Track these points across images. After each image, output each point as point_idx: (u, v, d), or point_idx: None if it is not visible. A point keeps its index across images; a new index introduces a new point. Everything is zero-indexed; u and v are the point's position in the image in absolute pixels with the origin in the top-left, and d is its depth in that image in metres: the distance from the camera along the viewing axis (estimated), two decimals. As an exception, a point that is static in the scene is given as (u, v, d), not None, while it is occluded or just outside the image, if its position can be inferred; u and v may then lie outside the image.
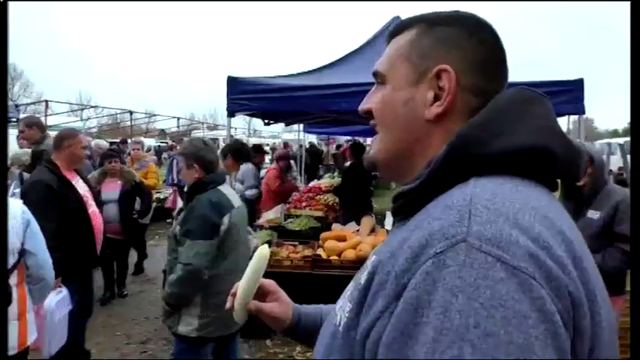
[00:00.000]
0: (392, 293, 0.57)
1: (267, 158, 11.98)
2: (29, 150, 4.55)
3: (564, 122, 5.13)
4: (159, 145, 23.82)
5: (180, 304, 2.70)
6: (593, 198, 3.04)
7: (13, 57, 39.64)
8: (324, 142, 20.03)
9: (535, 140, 0.64)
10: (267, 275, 1.12)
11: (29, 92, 41.57)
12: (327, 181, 9.36)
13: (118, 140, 12.68)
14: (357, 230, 5.27)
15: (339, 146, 16.98)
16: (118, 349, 4.29)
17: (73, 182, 3.50)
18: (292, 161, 11.11)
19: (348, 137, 14.75)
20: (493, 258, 0.52)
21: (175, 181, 8.21)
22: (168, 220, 8.79)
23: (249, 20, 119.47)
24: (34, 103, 25.46)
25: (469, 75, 0.73)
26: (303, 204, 6.95)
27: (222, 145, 10.25)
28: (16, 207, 2.45)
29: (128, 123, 21.23)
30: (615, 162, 15.06)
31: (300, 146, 12.39)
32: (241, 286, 1.09)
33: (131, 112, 20.21)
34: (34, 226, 2.50)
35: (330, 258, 4.46)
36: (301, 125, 10.40)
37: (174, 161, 8.12)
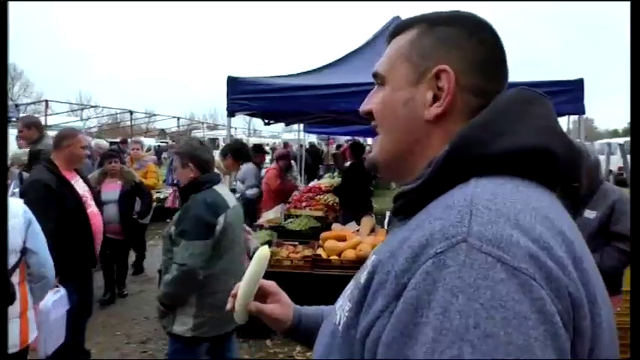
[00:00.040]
0: (392, 293, 0.57)
1: (268, 158, 11.99)
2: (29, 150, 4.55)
3: (564, 122, 5.14)
4: (159, 145, 23.82)
5: (175, 304, 2.70)
6: (589, 197, 3.04)
7: (13, 57, 39.71)
8: (324, 142, 20.05)
9: (536, 141, 0.64)
10: (267, 275, 1.12)
11: (29, 92, 41.66)
12: (327, 181, 9.37)
13: (118, 140, 12.68)
14: (357, 230, 5.28)
15: (339, 146, 16.99)
16: (118, 348, 4.29)
17: (73, 182, 3.50)
18: (293, 161, 11.13)
19: (348, 137, 14.75)
20: (493, 259, 0.52)
21: (175, 181, 8.19)
22: (168, 220, 8.71)
23: (249, 20, 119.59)
24: (34, 103, 25.50)
25: (469, 75, 0.73)
26: (303, 204, 6.96)
27: (222, 145, 10.25)
28: (18, 206, 2.47)
29: (128, 123, 21.24)
30: (615, 162, 15.06)
31: (301, 146, 12.40)
32: (242, 287, 1.10)
33: (131, 112, 20.22)
34: (36, 225, 2.52)
35: (330, 258, 4.46)
36: (301, 125, 10.41)
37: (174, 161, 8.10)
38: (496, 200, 0.58)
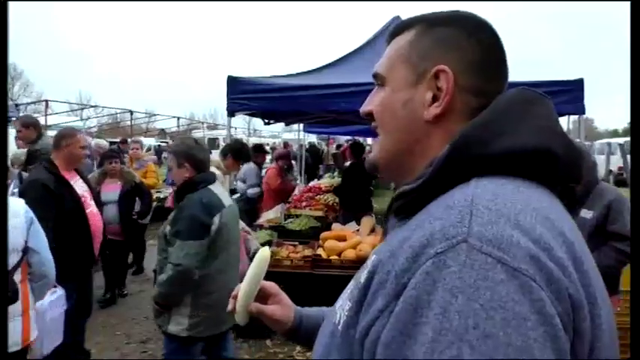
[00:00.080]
0: (392, 292, 0.57)
1: (268, 158, 12.00)
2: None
3: (564, 122, 5.14)
4: (159, 145, 23.80)
5: (170, 303, 2.70)
6: (585, 197, 3.05)
7: (13, 57, 39.68)
8: (324, 141, 20.04)
9: (536, 141, 0.64)
10: (266, 275, 1.12)
11: (29, 92, 41.66)
12: (327, 180, 9.37)
13: (118, 140, 12.68)
14: (357, 230, 5.28)
15: (339, 146, 16.98)
16: (118, 348, 4.29)
17: (72, 182, 3.50)
18: (294, 161, 11.13)
19: (348, 137, 14.75)
20: (493, 259, 0.52)
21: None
22: (168, 220, 8.77)
23: (249, 20, 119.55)
24: (34, 103, 25.51)
25: (468, 75, 0.73)
26: (303, 204, 6.96)
27: (222, 144, 10.24)
28: (19, 206, 2.51)
29: (128, 123, 21.23)
30: (615, 162, 15.08)
31: (301, 146, 12.40)
32: (242, 289, 1.10)
33: (131, 112, 20.21)
34: (37, 224, 2.55)
35: (330, 258, 4.46)
36: (301, 125, 10.40)
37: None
38: (497, 201, 0.58)
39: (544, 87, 4.05)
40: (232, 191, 6.69)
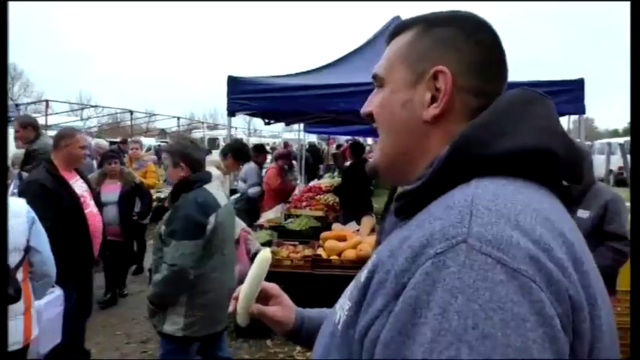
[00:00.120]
0: (391, 292, 0.57)
1: (268, 158, 12.00)
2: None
3: (565, 122, 5.14)
4: (159, 145, 23.80)
5: (165, 303, 2.70)
6: (581, 197, 3.06)
7: (13, 57, 39.64)
8: (324, 141, 20.03)
9: (537, 141, 0.64)
10: (267, 275, 1.12)
11: (29, 92, 41.68)
12: (327, 180, 9.36)
13: (118, 140, 12.67)
14: (358, 230, 5.28)
15: (339, 146, 16.97)
16: (118, 348, 4.30)
17: (71, 182, 3.49)
18: (294, 161, 11.13)
19: (348, 137, 14.74)
20: (493, 260, 0.52)
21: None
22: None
23: (249, 20, 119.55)
24: (34, 103, 25.52)
25: (466, 76, 0.73)
26: (304, 204, 6.96)
27: (222, 144, 10.24)
28: (21, 206, 2.54)
29: (128, 122, 21.24)
30: (615, 162, 15.09)
31: (301, 146, 12.39)
32: (243, 290, 1.10)
33: (131, 112, 20.23)
34: (39, 224, 2.59)
35: (331, 258, 4.46)
36: (301, 125, 10.40)
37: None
38: (497, 201, 0.58)
39: (544, 87, 4.05)
40: (233, 191, 6.71)
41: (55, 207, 3.23)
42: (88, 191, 3.74)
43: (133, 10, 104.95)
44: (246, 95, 4.72)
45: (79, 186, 3.59)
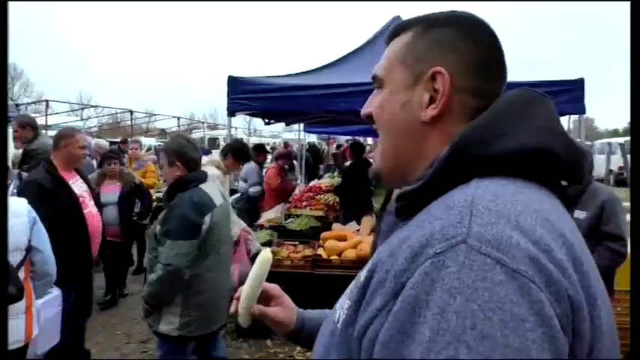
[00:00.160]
0: (390, 292, 0.57)
1: (268, 158, 12.00)
2: (28, 150, 4.54)
3: (565, 122, 5.13)
4: (159, 145, 23.76)
5: (160, 303, 2.69)
6: (578, 198, 3.06)
7: (13, 57, 39.56)
8: (324, 141, 20.03)
9: (537, 141, 0.64)
10: (267, 275, 1.13)
11: (29, 92, 41.64)
12: (327, 180, 9.36)
13: (118, 140, 12.66)
14: (358, 230, 5.28)
15: (339, 146, 16.97)
16: (118, 348, 4.30)
17: (71, 182, 3.49)
18: (295, 161, 11.12)
19: (348, 137, 14.74)
20: (493, 260, 0.52)
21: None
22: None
23: (249, 20, 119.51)
24: (34, 103, 25.51)
25: (465, 77, 0.73)
26: (304, 203, 6.97)
27: (222, 144, 10.24)
28: (22, 205, 2.57)
29: (128, 122, 21.24)
30: (616, 161, 15.08)
31: (301, 146, 12.39)
32: (244, 291, 1.11)
33: (131, 112, 20.23)
34: (40, 224, 2.63)
35: (331, 258, 4.47)
36: (301, 125, 10.41)
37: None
38: (497, 201, 0.58)
39: (544, 87, 4.05)
40: (233, 191, 6.71)
41: (54, 207, 3.22)
42: (88, 191, 3.74)
43: (133, 10, 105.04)
44: (246, 95, 4.72)
45: (78, 186, 3.59)
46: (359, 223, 5.47)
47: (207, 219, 2.68)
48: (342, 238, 4.76)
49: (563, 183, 0.71)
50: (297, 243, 4.89)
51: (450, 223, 0.57)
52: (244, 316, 1.10)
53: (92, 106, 31.76)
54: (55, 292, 2.98)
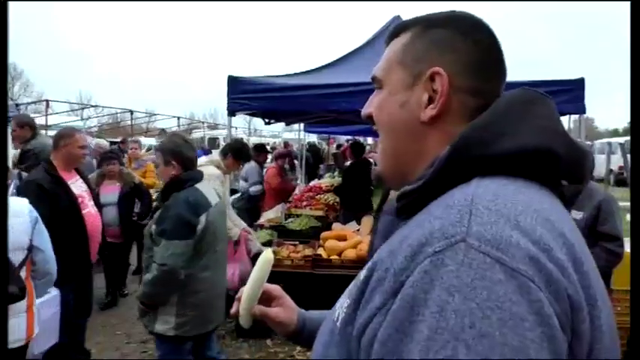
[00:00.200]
0: (390, 290, 0.57)
1: (269, 157, 12.00)
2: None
3: (565, 122, 5.13)
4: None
5: (155, 303, 2.69)
6: (575, 198, 3.06)
7: (13, 57, 39.52)
8: (324, 141, 20.03)
9: (538, 141, 0.64)
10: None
11: (29, 92, 41.61)
12: (327, 180, 9.36)
13: (119, 140, 12.66)
14: (358, 230, 5.28)
15: (339, 146, 16.97)
16: (118, 348, 4.30)
17: (71, 182, 3.48)
18: (296, 161, 11.11)
19: (349, 137, 14.74)
20: (492, 259, 0.52)
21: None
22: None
23: (249, 20, 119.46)
24: (34, 103, 25.49)
25: (463, 77, 0.73)
26: (304, 203, 6.97)
27: (222, 144, 10.23)
28: (23, 205, 2.59)
29: (128, 122, 21.23)
30: (616, 161, 15.07)
31: (302, 146, 12.39)
32: (246, 291, 1.11)
33: (131, 112, 20.21)
34: (41, 223, 2.64)
35: (331, 257, 4.47)
36: (302, 125, 10.40)
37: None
38: (497, 201, 0.58)
39: (545, 87, 4.05)
40: (233, 191, 6.71)
41: (52, 207, 3.20)
42: (88, 191, 3.73)
43: (133, 10, 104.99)
44: (246, 95, 4.72)
45: (78, 186, 3.58)
46: (359, 223, 5.47)
47: (202, 218, 2.68)
48: (342, 238, 4.76)
49: (564, 183, 0.71)
50: (297, 243, 4.89)
51: (449, 222, 0.57)
52: (245, 316, 1.11)
53: (92, 106, 31.73)
54: (54, 293, 2.99)
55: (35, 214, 2.62)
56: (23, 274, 2.50)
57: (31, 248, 2.56)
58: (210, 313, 2.81)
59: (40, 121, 13.08)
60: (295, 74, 5.56)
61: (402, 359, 0.53)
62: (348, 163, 8.96)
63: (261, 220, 5.88)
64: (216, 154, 5.94)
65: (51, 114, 18.07)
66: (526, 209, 0.58)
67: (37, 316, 2.65)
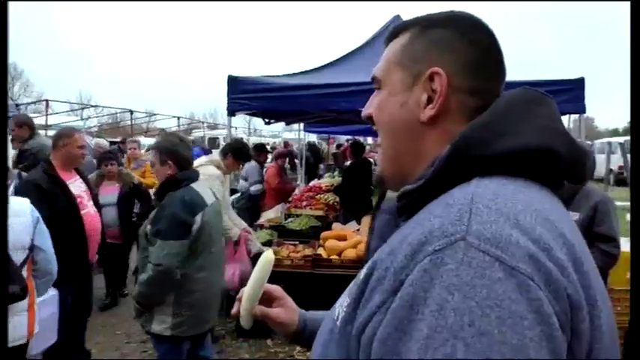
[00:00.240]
0: (389, 289, 0.57)
1: (269, 157, 11.99)
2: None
3: (565, 121, 5.12)
4: (159, 145, 23.67)
5: (151, 303, 2.69)
6: (571, 199, 3.05)
7: (13, 57, 39.49)
8: (324, 141, 20.02)
9: (539, 141, 0.64)
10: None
11: (29, 92, 41.61)
12: (327, 180, 9.37)
13: (119, 140, 12.64)
14: (358, 229, 5.28)
15: (339, 145, 16.96)
16: (118, 348, 4.30)
17: (70, 182, 3.47)
18: (296, 160, 11.10)
19: (349, 136, 14.73)
20: (491, 258, 0.52)
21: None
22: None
23: (249, 20, 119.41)
24: (34, 103, 25.47)
25: (463, 76, 0.73)
26: (304, 203, 6.97)
27: (222, 144, 10.23)
28: (25, 205, 2.60)
29: (128, 122, 21.22)
30: (616, 161, 15.07)
31: (302, 145, 12.39)
32: (246, 292, 1.11)
33: (131, 112, 20.20)
34: (42, 223, 2.65)
35: (331, 257, 4.47)
36: (301, 125, 10.40)
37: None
38: (497, 200, 0.58)
39: (545, 86, 4.04)
40: (233, 191, 6.71)
41: (50, 207, 3.18)
42: (87, 191, 3.71)
43: (133, 10, 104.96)
44: (246, 95, 4.72)
45: (77, 186, 3.57)
46: (359, 223, 5.47)
47: (198, 218, 2.67)
48: (342, 238, 4.76)
49: (565, 183, 0.71)
50: (297, 243, 4.89)
51: (449, 220, 0.57)
52: (246, 317, 1.11)
53: (92, 106, 31.71)
54: (52, 292, 2.99)
55: (37, 213, 2.63)
56: (24, 273, 2.51)
57: (32, 248, 2.57)
58: (207, 313, 2.81)
59: (40, 121, 13.08)
60: (295, 74, 5.56)
61: (402, 358, 0.53)
62: (348, 162, 8.96)
63: (261, 220, 5.88)
64: (216, 154, 5.94)
65: (51, 114, 18.05)
66: (526, 208, 0.58)
67: (38, 315, 2.67)
